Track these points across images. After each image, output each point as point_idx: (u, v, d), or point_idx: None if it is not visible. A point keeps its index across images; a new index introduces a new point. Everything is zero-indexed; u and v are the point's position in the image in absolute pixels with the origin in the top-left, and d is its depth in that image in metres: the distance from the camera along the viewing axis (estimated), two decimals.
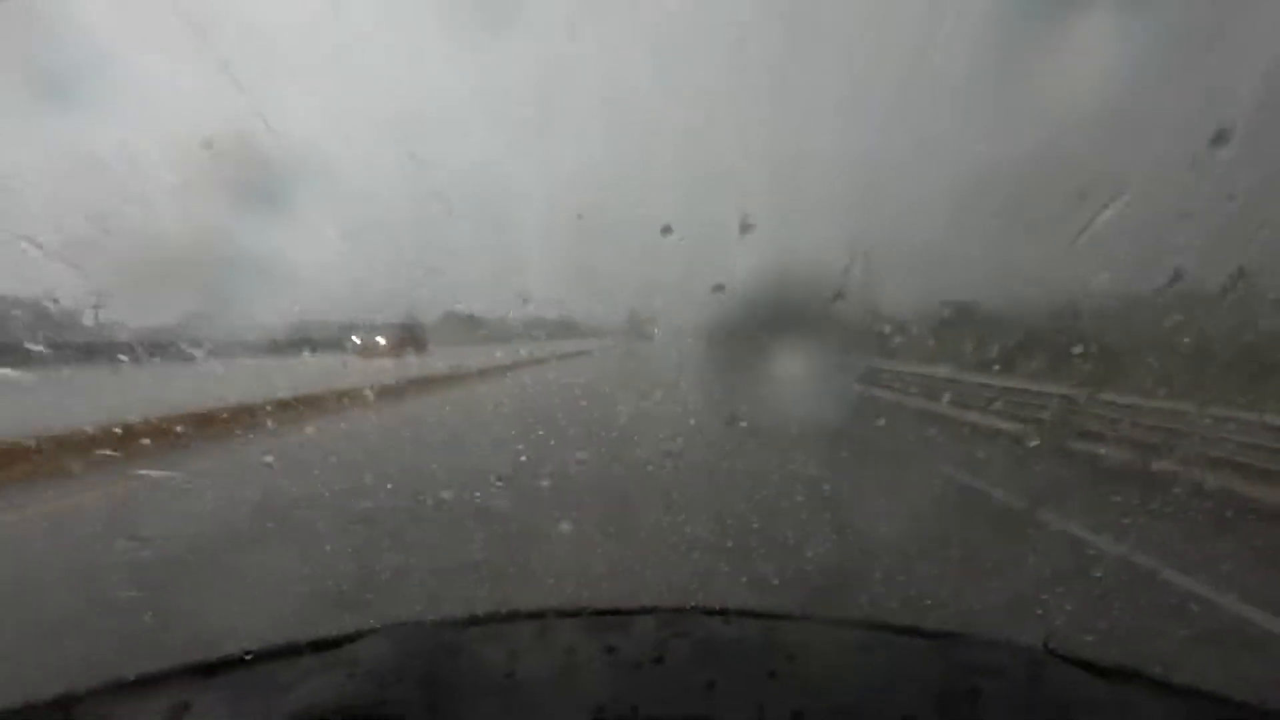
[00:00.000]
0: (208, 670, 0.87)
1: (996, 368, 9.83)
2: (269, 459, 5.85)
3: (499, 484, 4.60)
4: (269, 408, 7.53)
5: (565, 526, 3.81)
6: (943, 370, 11.12)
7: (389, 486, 4.90)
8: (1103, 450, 6.42)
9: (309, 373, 9.68)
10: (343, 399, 8.59)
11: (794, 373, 7.86)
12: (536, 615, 1.06)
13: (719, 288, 4.32)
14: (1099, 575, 3.45)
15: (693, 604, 1.12)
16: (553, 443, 6.05)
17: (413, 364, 15.83)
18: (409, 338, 17.58)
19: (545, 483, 4.64)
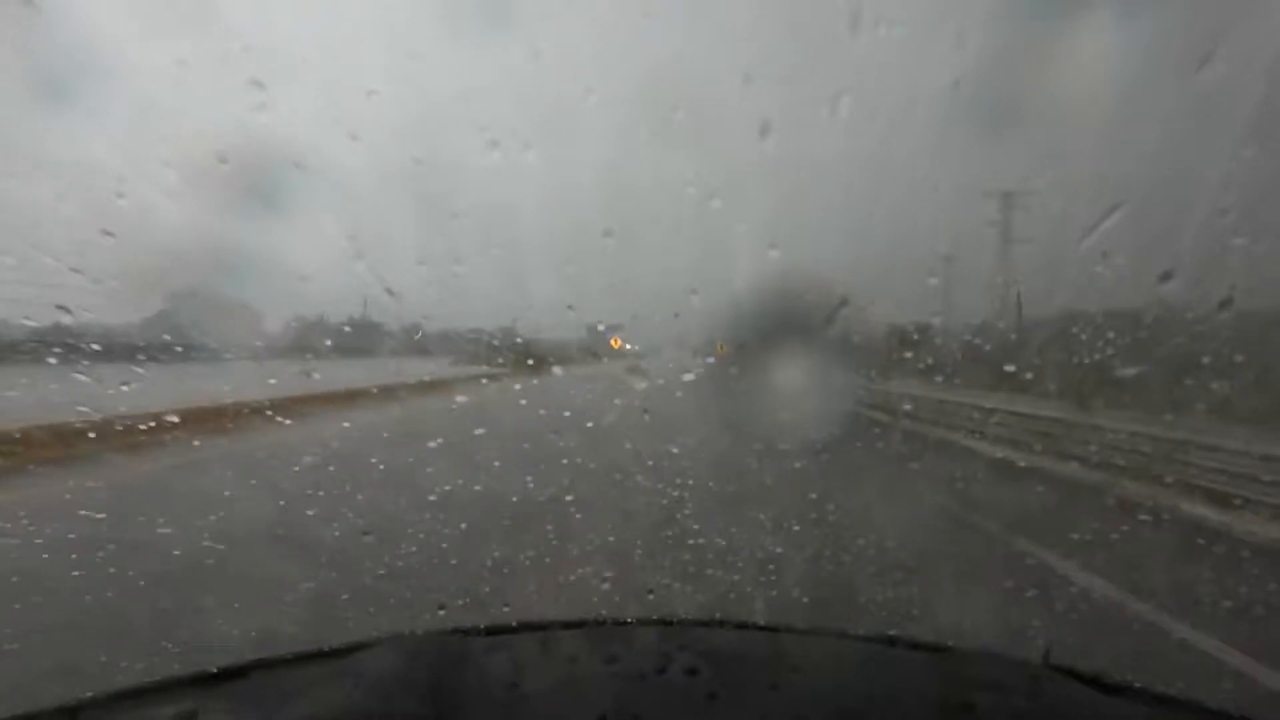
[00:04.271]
0: (214, 679, 0.88)
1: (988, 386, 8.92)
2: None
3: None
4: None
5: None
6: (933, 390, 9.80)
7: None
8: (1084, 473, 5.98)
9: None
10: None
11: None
12: (540, 626, 1.07)
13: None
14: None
15: (693, 616, 1.12)
16: None
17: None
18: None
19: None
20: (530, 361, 12.66)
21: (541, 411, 9.60)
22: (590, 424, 8.38)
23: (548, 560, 3.62)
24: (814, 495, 4.81)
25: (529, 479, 5.04)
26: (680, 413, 9.20)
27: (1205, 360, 5.13)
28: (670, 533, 4.05)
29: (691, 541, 3.83)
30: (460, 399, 12.33)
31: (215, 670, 0.89)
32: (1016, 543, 4.13)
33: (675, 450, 6.44)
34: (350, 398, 12.38)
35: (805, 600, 3.04)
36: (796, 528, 4.00)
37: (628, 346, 15.12)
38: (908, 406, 9.42)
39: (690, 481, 5.27)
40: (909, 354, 9.13)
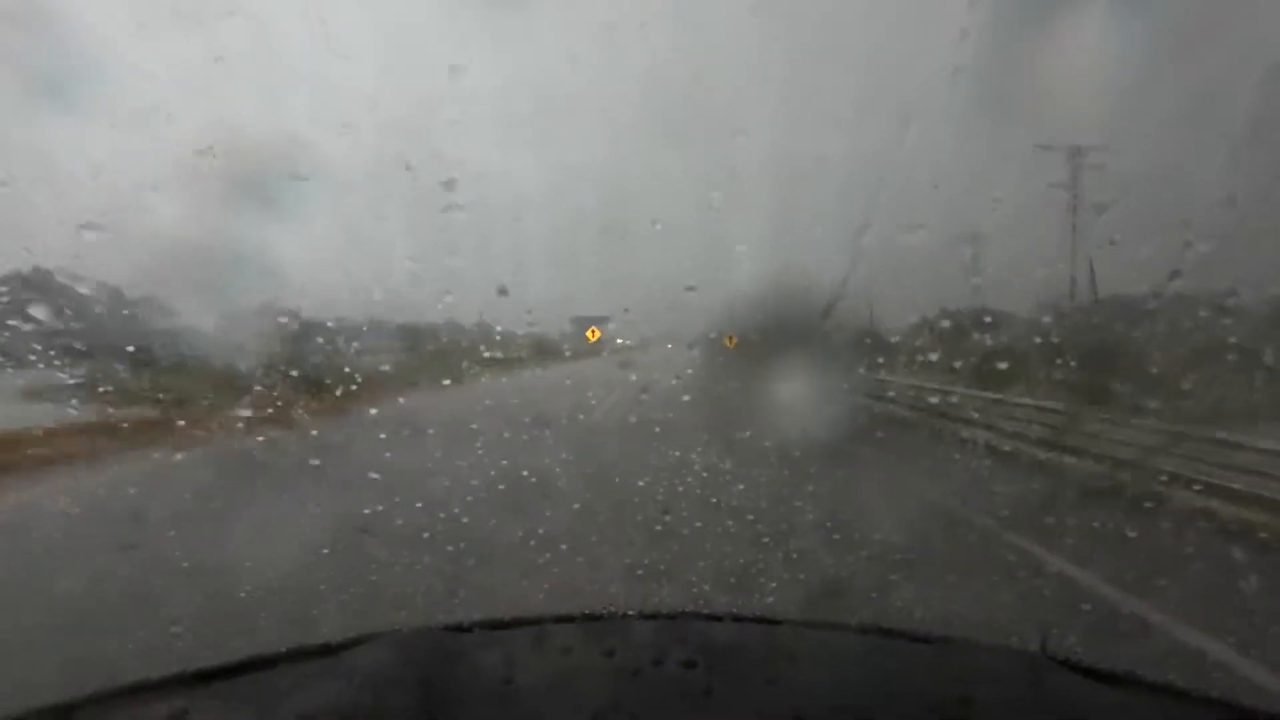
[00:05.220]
0: (206, 677, 0.87)
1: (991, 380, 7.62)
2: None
3: None
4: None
5: None
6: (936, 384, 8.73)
7: None
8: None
9: None
10: None
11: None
12: (534, 621, 1.06)
13: None
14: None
15: (691, 610, 1.12)
16: None
17: None
18: None
19: None
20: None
21: None
22: None
23: None
24: None
25: None
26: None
27: None
28: None
29: None
30: None
31: (207, 669, 0.89)
32: None
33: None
34: None
35: None
36: None
37: (619, 341, 12.60)
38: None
39: None
40: (942, 352, 7.06)
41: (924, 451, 7.11)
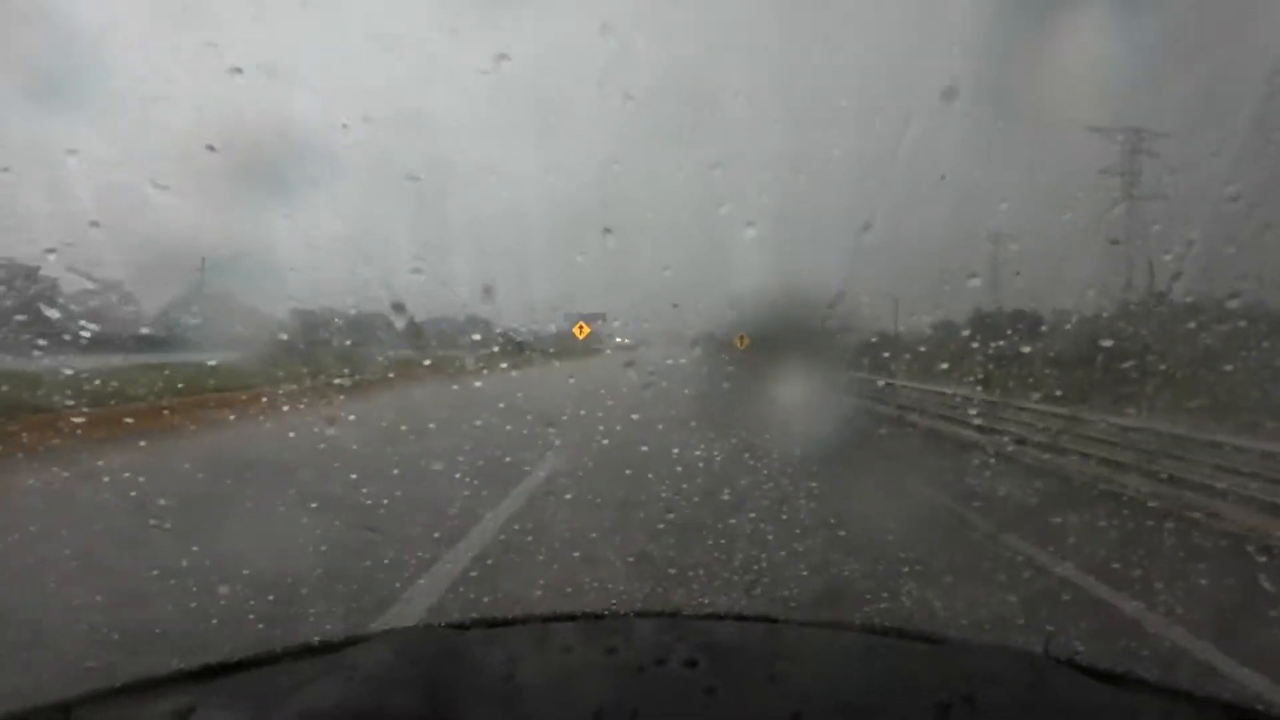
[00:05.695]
0: (209, 674, 0.87)
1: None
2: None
3: None
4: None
5: None
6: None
7: None
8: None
9: None
10: None
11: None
12: (536, 619, 1.06)
13: None
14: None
15: (692, 609, 1.12)
16: None
17: None
18: None
19: None
20: None
21: None
22: None
23: None
24: None
25: None
26: None
27: None
28: None
29: None
30: None
31: (211, 665, 0.89)
32: None
33: None
34: None
35: None
36: None
37: (618, 340, 11.78)
38: None
39: None
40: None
41: (925, 451, 7.24)
